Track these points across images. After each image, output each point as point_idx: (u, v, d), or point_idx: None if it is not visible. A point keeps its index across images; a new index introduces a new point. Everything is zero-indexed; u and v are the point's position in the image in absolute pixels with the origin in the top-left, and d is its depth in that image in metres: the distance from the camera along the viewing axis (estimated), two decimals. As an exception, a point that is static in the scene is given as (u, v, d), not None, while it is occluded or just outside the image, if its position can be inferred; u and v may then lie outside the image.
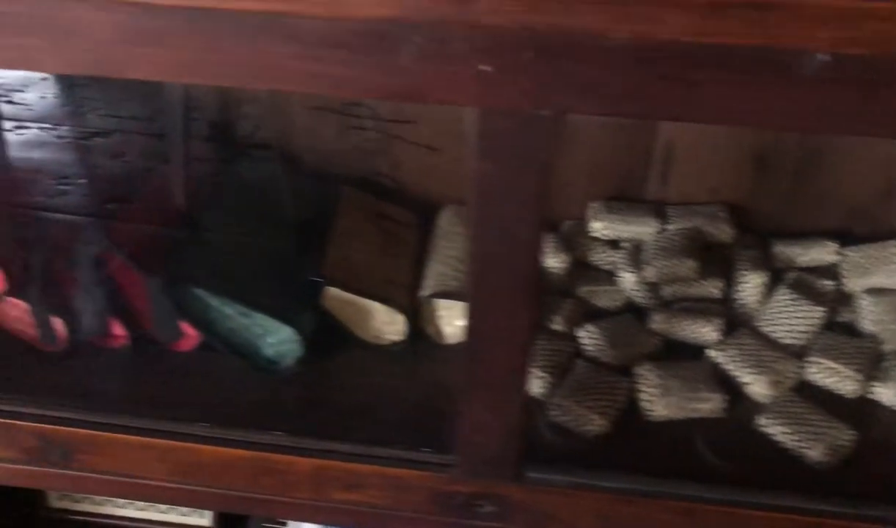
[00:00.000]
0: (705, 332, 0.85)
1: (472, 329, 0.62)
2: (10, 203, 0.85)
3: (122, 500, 1.10)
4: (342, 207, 0.93)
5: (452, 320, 0.86)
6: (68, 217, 0.83)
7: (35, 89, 0.97)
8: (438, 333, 0.86)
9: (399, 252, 0.93)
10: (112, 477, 0.77)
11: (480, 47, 0.51)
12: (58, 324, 0.80)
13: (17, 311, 0.80)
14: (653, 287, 0.89)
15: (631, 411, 0.79)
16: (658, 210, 0.93)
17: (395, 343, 0.86)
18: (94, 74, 0.53)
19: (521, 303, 0.60)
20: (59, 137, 0.95)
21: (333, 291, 0.84)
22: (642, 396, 0.80)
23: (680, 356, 0.84)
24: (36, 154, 0.93)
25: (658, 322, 0.86)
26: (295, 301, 0.83)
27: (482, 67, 0.51)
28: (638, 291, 0.89)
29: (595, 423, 0.77)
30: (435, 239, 0.94)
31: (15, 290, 0.77)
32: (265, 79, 0.52)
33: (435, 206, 0.98)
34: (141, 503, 1.11)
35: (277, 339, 0.83)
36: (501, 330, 0.62)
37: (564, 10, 0.49)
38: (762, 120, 0.52)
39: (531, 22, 0.49)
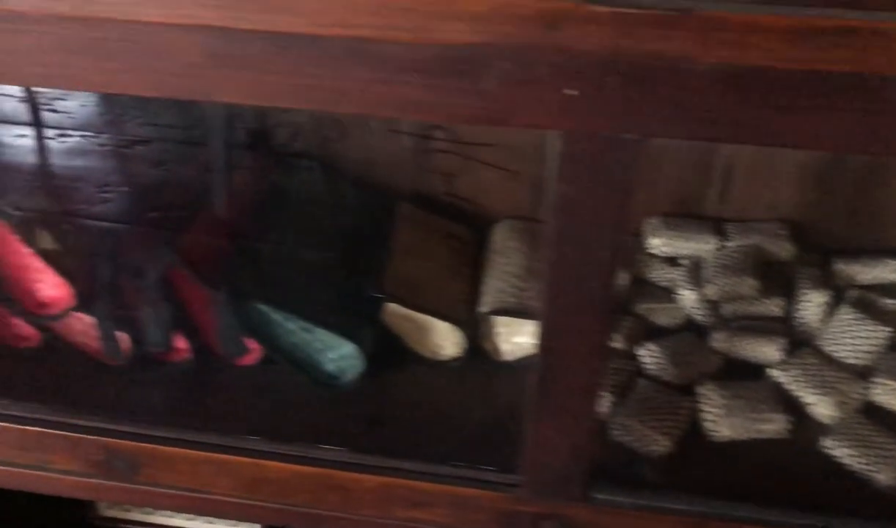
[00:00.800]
0: (767, 351, 0.84)
1: (544, 349, 0.62)
2: (70, 213, 0.86)
3: (173, 509, 1.11)
4: (398, 221, 0.94)
5: (510, 337, 0.86)
6: (129, 228, 0.84)
7: (76, 98, 0.99)
8: (496, 349, 0.86)
9: (456, 268, 0.93)
10: (177, 492, 0.77)
11: (566, 71, 0.51)
12: (122, 338, 0.81)
13: (82, 324, 0.81)
14: (713, 305, 0.88)
15: (694, 431, 0.79)
16: (717, 227, 0.93)
17: (452, 359, 0.86)
18: (180, 98, 0.54)
19: (596, 324, 0.60)
20: (101, 145, 0.96)
21: (393, 306, 0.85)
22: (706, 416, 0.79)
23: (742, 376, 0.83)
24: (80, 162, 0.94)
25: (719, 341, 0.85)
26: (356, 317, 0.83)
27: (567, 91, 0.51)
28: (698, 308, 0.88)
29: (659, 443, 0.77)
30: (491, 254, 0.94)
31: (81, 304, 0.78)
32: (350, 103, 0.53)
33: (489, 220, 0.99)
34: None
35: (338, 354, 0.83)
36: (575, 351, 0.61)
37: (654, 36, 0.49)
38: (851, 145, 0.51)
39: (619, 47, 0.49)
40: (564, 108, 0.52)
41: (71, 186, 0.88)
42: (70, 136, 0.97)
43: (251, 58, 0.52)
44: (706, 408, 0.79)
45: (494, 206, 0.99)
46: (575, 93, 0.51)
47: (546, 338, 0.62)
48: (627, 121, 0.52)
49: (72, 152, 0.96)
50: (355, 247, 0.91)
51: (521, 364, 0.85)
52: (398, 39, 0.50)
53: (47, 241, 0.73)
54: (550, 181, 0.56)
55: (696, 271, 0.90)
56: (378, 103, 0.53)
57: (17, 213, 0.73)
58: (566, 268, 0.58)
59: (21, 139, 0.95)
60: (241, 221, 0.87)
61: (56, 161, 0.94)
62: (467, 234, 0.97)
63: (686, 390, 0.82)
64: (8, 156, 0.92)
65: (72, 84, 0.56)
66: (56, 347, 0.84)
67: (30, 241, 0.74)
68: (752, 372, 0.83)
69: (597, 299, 0.58)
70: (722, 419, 0.78)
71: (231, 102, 0.55)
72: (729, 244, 0.91)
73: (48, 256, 0.73)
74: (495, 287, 0.88)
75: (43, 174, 0.83)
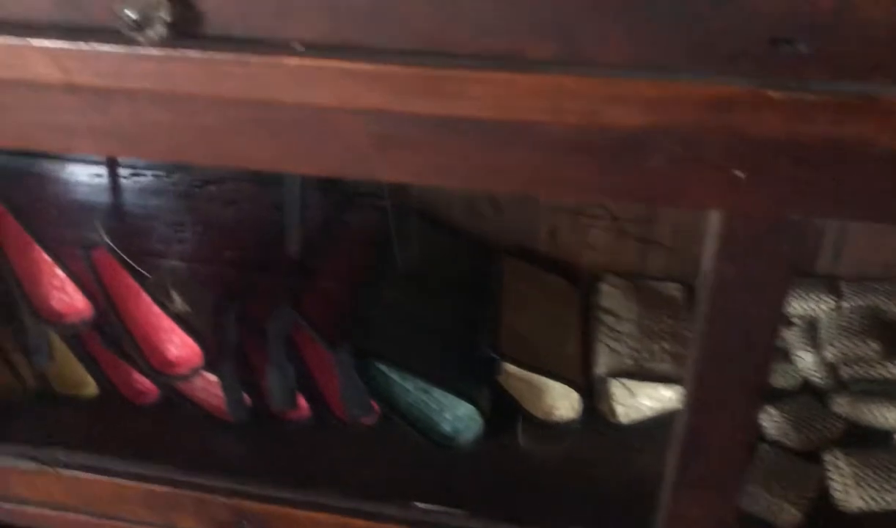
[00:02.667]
0: (893, 417, 0.82)
1: (691, 423, 0.61)
2: (190, 261, 0.87)
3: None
4: (504, 274, 0.94)
5: (627, 399, 0.86)
6: (251, 283, 0.85)
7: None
8: (612, 411, 0.86)
9: (566, 325, 0.93)
10: (301, 553, 0.78)
11: (736, 154, 0.50)
12: (246, 398, 0.82)
13: (205, 382, 0.82)
14: (831, 368, 0.87)
15: (823, 500, 0.77)
16: (831, 286, 0.91)
17: (568, 421, 0.86)
18: (343, 177, 0.54)
19: (748, 402, 0.59)
20: (174, 184, 0.97)
21: (508, 366, 0.85)
22: (834, 485, 0.77)
23: (869, 442, 0.81)
24: (155, 201, 0.95)
25: (842, 405, 0.83)
26: (472, 376, 0.84)
27: (735, 173, 0.51)
28: (815, 371, 0.87)
29: (788, 513, 0.75)
30: (599, 312, 0.94)
31: (207, 363, 0.79)
32: (513, 183, 0.53)
33: (592, 275, 0.99)
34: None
35: (455, 414, 0.83)
36: (723, 427, 0.60)
37: (829, 120, 0.48)
38: None
39: (792, 131, 0.49)
40: (731, 189, 0.51)
41: (179, 233, 0.89)
42: (142, 175, 0.99)
43: (417, 140, 0.53)
44: (834, 477, 0.78)
45: (597, 261, 0.99)
46: (742, 174, 0.51)
47: (692, 412, 0.61)
48: (795, 202, 0.51)
49: (145, 191, 0.97)
50: (465, 301, 0.91)
51: (640, 427, 0.84)
52: (566, 123, 0.51)
53: (177, 300, 0.75)
54: (707, 259, 0.56)
55: (811, 332, 0.89)
56: (542, 184, 0.53)
57: (150, 277, 0.74)
58: (720, 345, 0.57)
59: (97, 178, 0.97)
60: (355, 276, 0.88)
61: (147, 203, 0.95)
62: (572, 289, 0.98)
63: (811, 456, 0.80)
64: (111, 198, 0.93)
65: (238, 162, 0.57)
66: (174, 402, 0.86)
67: (160, 300, 0.75)
68: (879, 438, 0.82)
69: (750, 376, 0.58)
70: (851, 489, 0.76)
71: (394, 180, 0.56)
72: (845, 304, 0.90)
73: (178, 316, 0.75)
74: (610, 347, 0.88)
75: (159, 222, 0.84)
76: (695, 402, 0.61)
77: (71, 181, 0.86)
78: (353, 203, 0.98)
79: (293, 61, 0.52)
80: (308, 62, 0.52)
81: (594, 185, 0.53)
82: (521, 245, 1.01)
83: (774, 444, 0.81)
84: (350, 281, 0.87)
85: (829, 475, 0.78)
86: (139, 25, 0.52)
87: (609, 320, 0.91)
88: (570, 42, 0.50)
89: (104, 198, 0.83)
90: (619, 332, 0.90)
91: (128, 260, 0.75)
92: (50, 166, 0.96)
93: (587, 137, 0.51)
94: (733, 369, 0.58)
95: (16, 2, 0.54)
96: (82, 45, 0.53)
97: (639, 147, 0.51)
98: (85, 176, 0.97)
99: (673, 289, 0.97)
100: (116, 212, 0.80)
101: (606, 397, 0.86)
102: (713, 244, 0.55)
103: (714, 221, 0.54)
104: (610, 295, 0.94)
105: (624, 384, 0.85)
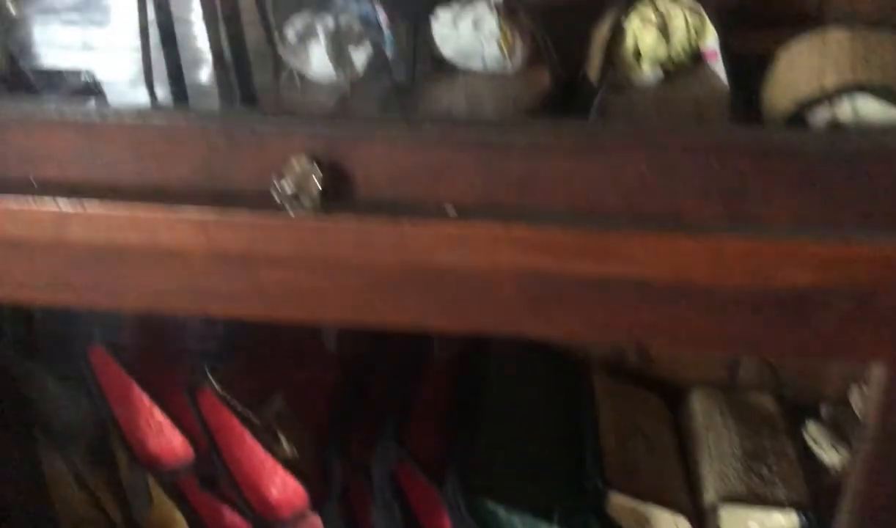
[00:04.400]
0: None
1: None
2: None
3: None
4: (597, 394, 0.92)
5: (737, 524, 0.83)
6: (353, 419, 0.83)
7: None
8: (723, 537, 0.83)
9: (664, 445, 0.90)
10: None
11: (907, 310, 0.50)
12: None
13: (306, 525, 0.80)
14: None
15: None
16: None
17: (678, 549, 0.83)
18: (488, 334, 0.53)
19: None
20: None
21: (616, 496, 0.82)
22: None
23: None
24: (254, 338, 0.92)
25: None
26: (581, 508, 0.81)
27: (906, 327, 0.50)
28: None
29: None
30: (696, 428, 0.91)
31: (313, 506, 0.77)
32: (671, 339, 0.52)
33: (681, 387, 0.97)
34: None
35: (566, 548, 0.81)
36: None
37: None
38: None
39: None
40: None
41: (283, 372, 0.86)
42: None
43: (572, 299, 0.52)
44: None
45: (686, 372, 0.97)
46: (914, 329, 0.50)
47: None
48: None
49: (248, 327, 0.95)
50: (562, 423, 0.89)
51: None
52: (731, 282, 0.50)
53: (283, 442, 0.73)
54: (871, 411, 0.54)
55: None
56: (702, 340, 0.52)
57: (256, 419, 0.73)
58: (883, 496, 0.55)
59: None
60: (453, 404, 0.86)
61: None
62: (663, 404, 0.95)
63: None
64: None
65: (382, 321, 0.56)
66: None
67: (268, 443, 0.73)
68: None
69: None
70: None
71: (543, 336, 0.55)
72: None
73: (286, 460, 0.73)
74: (716, 470, 0.86)
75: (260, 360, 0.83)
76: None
77: (175, 319, 0.85)
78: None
79: (448, 227, 0.52)
80: (462, 227, 0.51)
81: (757, 341, 0.52)
82: (608, 357, 0.99)
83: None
84: (446, 409, 0.85)
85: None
86: (294, 196, 0.51)
87: (710, 437, 0.89)
88: (734, 202, 0.49)
89: (209, 338, 0.81)
90: (722, 452, 0.87)
91: (234, 403, 0.73)
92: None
93: (753, 295, 0.50)
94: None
95: (162, 169, 0.54)
96: (229, 214, 0.53)
97: (807, 304, 0.50)
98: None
99: (767, 402, 0.94)
100: (222, 351, 0.79)
101: (716, 523, 0.83)
102: (878, 396, 0.53)
103: (879, 373, 0.53)
104: (704, 410, 0.92)
105: (734, 510, 0.83)
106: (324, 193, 0.51)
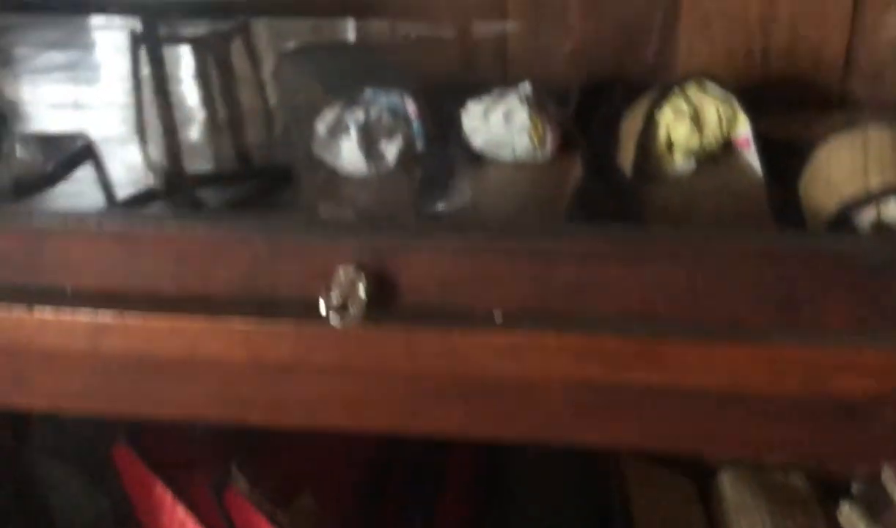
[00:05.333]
0: None
1: None
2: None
3: None
4: (629, 481, 0.91)
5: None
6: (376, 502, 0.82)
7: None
8: None
9: (696, 530, 0.89)
10: None
11: (967, 416, 0.49)
12: None
13: None
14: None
15: None
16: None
17: None
18: (534, 443, 0.52)
19: None
20: None
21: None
22: None
23: None
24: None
25: None
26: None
27: (965, 434, 0.49)
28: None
29: None
30: (725, 511, 0.90)
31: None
32: (724, 446, 0.51)
33: (707, 467, 0.95)
34: None
35: None
36: None
37: None
38: None
39: None
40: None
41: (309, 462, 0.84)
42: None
43: (623, 408, 0.51)
44: None
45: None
46: (973, 435, 0.49)
47: None
48: None
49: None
50: (593, 513, 0.87)
51: None
52: (786, 391, 0.49)
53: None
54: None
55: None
56: (755, 446, 0.51)
57: (284, 519, 0.71)
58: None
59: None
60: (479, 496, 0.84)
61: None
62: (694, 489, 0.94)
63: None
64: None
65: (425, 428, 0.55)
66: None
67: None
68: None
69: None
70: None
71: (593, 445, 0.54)
72: None
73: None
74: (751, 557, 0.84)
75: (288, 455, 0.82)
76: None
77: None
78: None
79: (496, 335, 0.51)
80: (511, 335, 0.51)
81: (812, 448, 0.51)
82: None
83: None
84: (471, 502, 0.84)
85: None
86: (340, 306, 0.50)
87: (741, 522, 0.87)
88: (787, 309, 0.49)
89: (235, 434, 0.80)
90: (759, 537, 0.86)
91: (261, 501, 0.71)
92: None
93: (809, 403, 0.50)
94: None
95: (203, 279, 0.53)
96: (272, 324, 0.52)
97: (865, 413, 0.49)
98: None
99: (797, 480, 0.93)
100: (247, 448, 0.78)
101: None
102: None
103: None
104: (734, 492, 0.90)
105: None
106: (369, 301, 0.51)
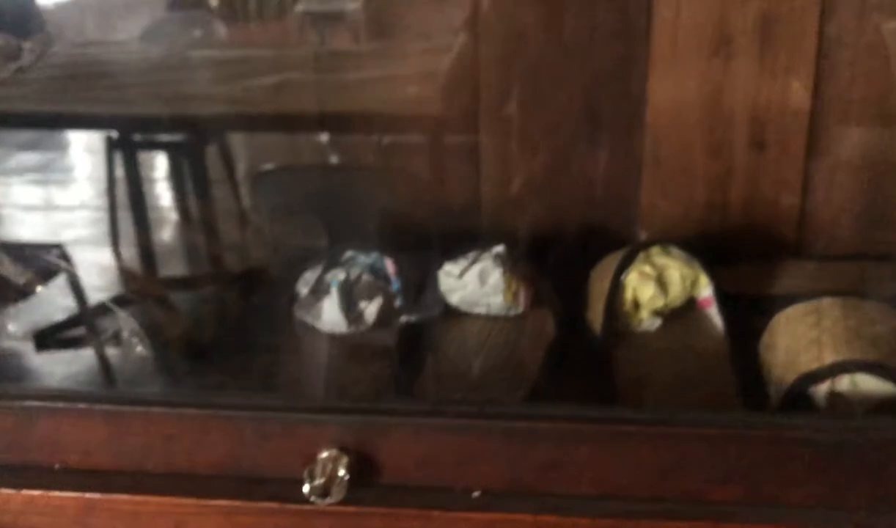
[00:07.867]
0: None
1: None
2: None
3: None
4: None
5: None
6: None
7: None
8: None
9: None
10: None
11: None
12: None
13: None
14: None
15: None
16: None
17: None
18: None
19: None
20: None
21: None
22: None
23: None
24: None
25: None
26: None
27: None
28: None
29: None
30: None
31: None
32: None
33: None
34: None
35: None
36: None
37: None
38: None
39: None
40: None
41: None
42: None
43: None
44: None
45: None
46: None
47: None
48: None
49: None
50: None
51: None
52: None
53: None
54: None
55: None
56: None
57: None
58: None
59: None
60: None
61: None
62: None
63: None
64: None
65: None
66: None
67: None
68: None
69: None
70: None
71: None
72: None
73: None
74: None
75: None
76: None
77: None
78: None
79: (474, 514, 0.52)
80: (489, 514, 0.52)
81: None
82: None
83: None
84: None
85: None
86: (322, 486, 0.52)
87: None
88: (752, 486, 0.51)
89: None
90: None
91: None
92: None
93: None
94: None
95: (190, 458, 0.54)
96: (256, 502, 0.53)
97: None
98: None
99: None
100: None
101: None
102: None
103: None
104: None
105: None
106: (351, 481, 0.52)
